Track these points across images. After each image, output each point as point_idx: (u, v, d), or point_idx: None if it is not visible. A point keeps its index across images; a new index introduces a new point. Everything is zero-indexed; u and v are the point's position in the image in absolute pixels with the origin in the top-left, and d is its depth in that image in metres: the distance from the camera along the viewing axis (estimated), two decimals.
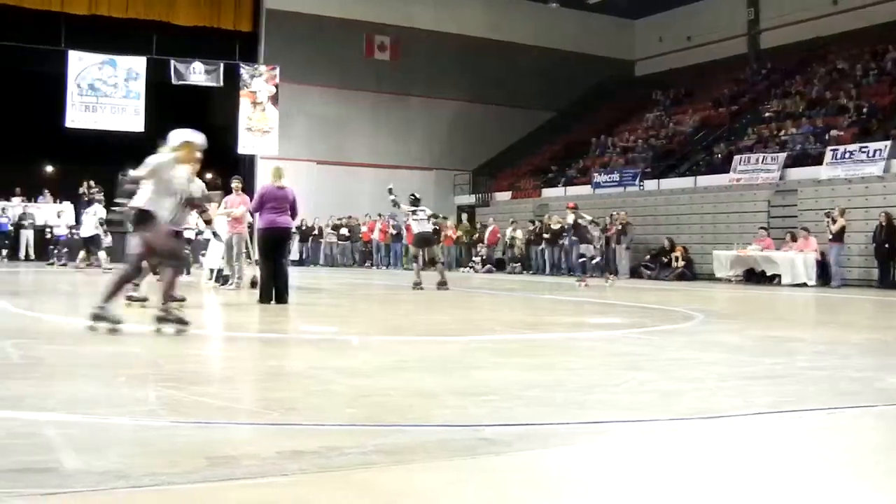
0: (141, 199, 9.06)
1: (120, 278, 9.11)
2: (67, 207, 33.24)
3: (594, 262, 24.09)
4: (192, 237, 22.31)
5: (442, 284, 19.17)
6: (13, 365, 6.86)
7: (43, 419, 4.67)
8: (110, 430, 4.51)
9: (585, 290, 20.96)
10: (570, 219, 24.16)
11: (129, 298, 11.93)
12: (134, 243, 9.41)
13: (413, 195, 20.17)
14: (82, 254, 26.81)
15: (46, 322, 10.96)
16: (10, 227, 33.99)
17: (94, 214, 25.88)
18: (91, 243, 26.10)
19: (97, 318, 8.81)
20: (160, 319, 8.93)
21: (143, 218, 9.01)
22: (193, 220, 21.37)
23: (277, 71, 39.04)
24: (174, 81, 37.00)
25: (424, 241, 20.14)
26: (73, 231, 30.41)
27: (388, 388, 6.00)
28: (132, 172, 9.34)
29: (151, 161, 9.10)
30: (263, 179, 19.97)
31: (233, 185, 18.13)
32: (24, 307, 12.73)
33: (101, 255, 25.93)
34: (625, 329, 11.03)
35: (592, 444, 4.49)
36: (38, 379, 6.16)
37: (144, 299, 12.03)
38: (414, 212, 19.84)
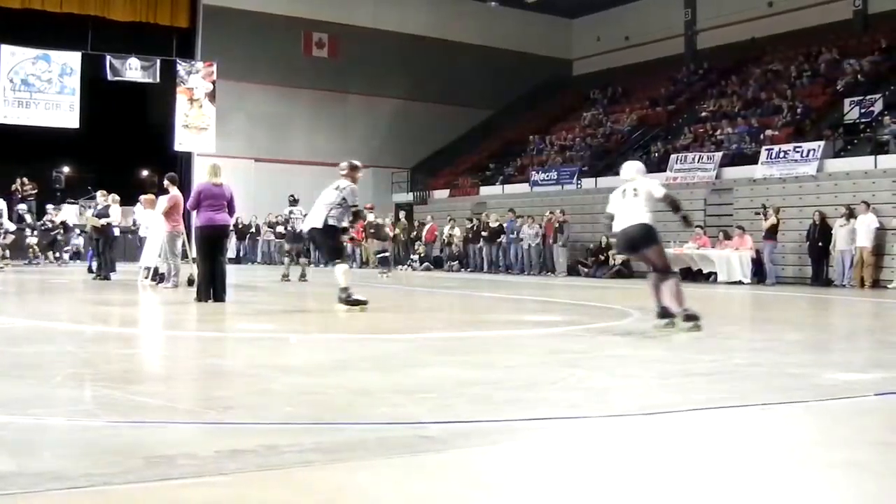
0: (646, 216, 10.01)
1: (676, 286, 10.06)
2: None
3: (384, 255, 27.22)
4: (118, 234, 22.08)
5: (302, 277, 21.73)
6: None
7: None
8: (45, 431, 4.45)
9: (388, 279, 23.98)
10: (371, 217, 26.14)
11: (346, 302, 12.33)
12: (651, 255, 10.24)
13: (292, 196, 23.25)
14: None
15: None
16: None
17: None
18: None
19: (690, 318, 9.90)
20: (688, 318, 9.89)
21: (653, 232, 10.07)
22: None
23: (215, 68, 38.66)
24: (110, 77, 36.46)
25: (297, 238, 22.14)
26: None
27: (326, 386, 5.98)
28: (667, 194, 10.09)
29: (655, 184, 10.37)
30: (200, 177, 19.83)
31: (165, 183, 17.86)
32: None
33: None
34: (563, 326, 11.08)
35: (532, 441, 4.51)
36: None
37: (364, 302, 12.46)
38: (291, 212, 22.61)
